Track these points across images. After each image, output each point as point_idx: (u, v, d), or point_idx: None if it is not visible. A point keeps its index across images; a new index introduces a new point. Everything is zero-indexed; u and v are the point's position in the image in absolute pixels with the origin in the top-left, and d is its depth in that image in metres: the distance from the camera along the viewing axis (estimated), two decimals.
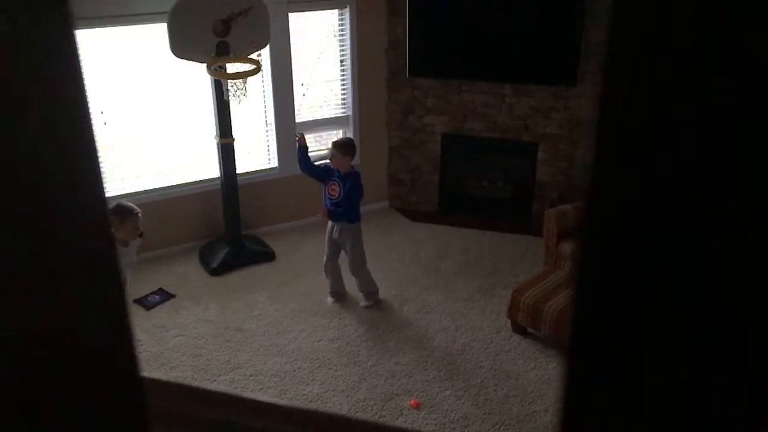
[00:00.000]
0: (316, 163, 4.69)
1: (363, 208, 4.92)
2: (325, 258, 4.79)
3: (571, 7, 5.21)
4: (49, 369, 0.49)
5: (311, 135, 6.04)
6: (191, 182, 5.51)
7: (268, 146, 5.80)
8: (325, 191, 4.59)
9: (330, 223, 4.66)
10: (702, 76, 0.38)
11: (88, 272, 0.49)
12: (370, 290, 4.79)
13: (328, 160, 4.67)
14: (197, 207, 5.56)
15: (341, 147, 4.53)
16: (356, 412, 3.82)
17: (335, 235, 4.63)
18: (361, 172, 4.67)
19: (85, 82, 0.45)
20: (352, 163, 4.60)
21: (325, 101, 6.05)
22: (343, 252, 4.74)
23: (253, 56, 4.92)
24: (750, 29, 0.36)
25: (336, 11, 5.74)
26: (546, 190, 5.85)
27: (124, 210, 3.72)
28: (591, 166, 0.42)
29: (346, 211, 4.55)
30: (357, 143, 6.05)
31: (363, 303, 4.79)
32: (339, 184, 4.51)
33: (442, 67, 5.76)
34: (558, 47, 5.35)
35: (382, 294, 4.89)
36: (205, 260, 5.38)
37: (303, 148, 4.66)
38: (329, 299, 4.87)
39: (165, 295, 4.96)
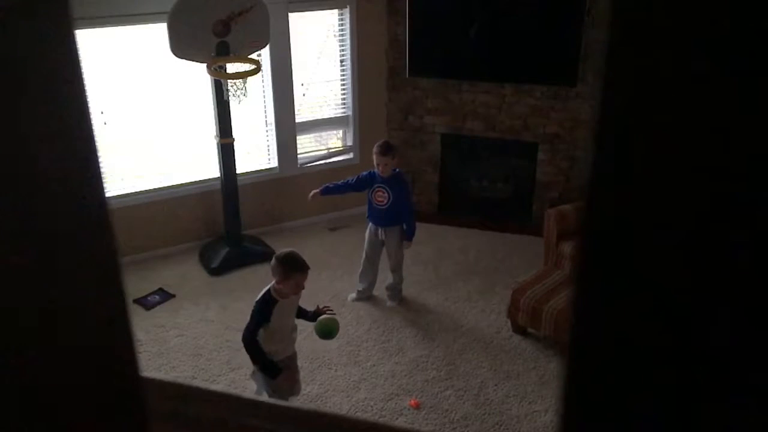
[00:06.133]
0: (348, 181, 4.64)
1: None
2: (364, 262, 4.76)
3: (571, 7, 5.21)
4: (48, 369, 0.49)
5: (311, 135, 6.04)
6: (191, 182, 5.51)
7: (268, 146, 5.79)
8: (370, 199, 4.57)
9: (372, 225, 4.65)
10: (704, 75, 0.38)
11: (88, 273, 0.49)
12: (400, 287, 4.83)
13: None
14: (197, 207, 5.56)
15: (389, 151, 4.42)
16: (356, 412, 3.82)
17: (380, 236, 4.62)
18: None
19: (85, 82, 0.45)
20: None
21: (325, 101, 6.05)
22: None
23: (253, 56, 4.92)
24: (753, 29, 0.36)
25: (336, 11, 5.74)
26: (546, 190, 5.85)
27: (292, 263, 3.29)
28: (590, 165, 0.42)
29: (402, 214, 4.56)
30: (357, 143, 6.08)
31: (390, 303, 4.81)
32: (386, 190, 4.48)
33: (442, 67, 5.76)
34: (558, 47, 5.35)
35: (383, 294, 4.90)
36: (205, 260, 5.38)
37: (327, 191, 4.62)
38: (353, 296, 4.85)
39: (165, 295, 4.96)
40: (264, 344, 3.31)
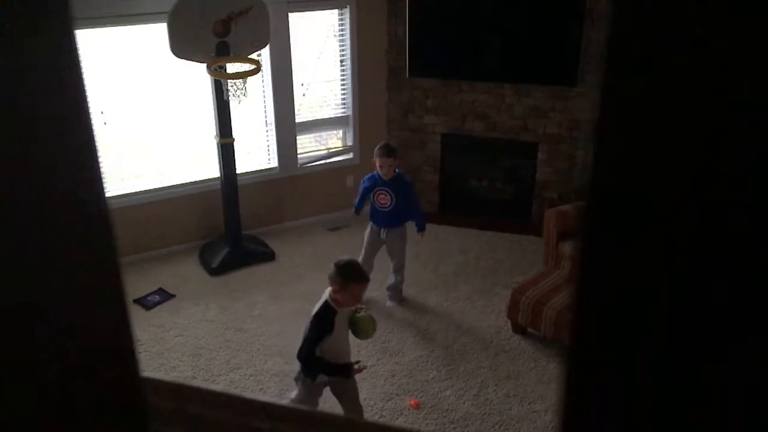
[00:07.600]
0: (364, 188, 4.65)
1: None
2: (361, 258, 4.73)
3: (571, 7, 5.21)
4: (48, 369, 0.49)
5: (311, 135, 6.04)
6: (191, 182, 5.51)
7: (268, 146, 5.80)
8: (373, 201, 4.58)
9: (373, 225, 4.66)
10: (705, 75, 0.38)
11: (88, 272, 0.49)
12: (401, 287, 4.84)
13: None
14: (197, 207, 5.56)
15: (393, 152, 4.45)
16: None
17: (382, 236, 4.63)
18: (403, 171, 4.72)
19: (85, 82, 0.45)
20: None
21: (325, 101, 6.05)
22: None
23: (253, 56, 4.92)
24: (752, 27, 0.36)
25: (336, 11, 5.74)
26: (546, 190, 5.85)
27: (351, 272, 3.18)
28: (591, 165, 0.42)
29: (409, 212, 4.58)
30: (357, 143, 6.08)
31: (390, 303, 4.83)
32: (388, 192, 4.49)
33: (442, 67, 5.76)
34: (558, 47, 5.35)
35: (382, 294, 4.90)
36: (205, 260, 5.38)
37: (359, 207, 4.70)
38: None
39: (165, 295, 4.96)
40: (325, 357, 3.21)
